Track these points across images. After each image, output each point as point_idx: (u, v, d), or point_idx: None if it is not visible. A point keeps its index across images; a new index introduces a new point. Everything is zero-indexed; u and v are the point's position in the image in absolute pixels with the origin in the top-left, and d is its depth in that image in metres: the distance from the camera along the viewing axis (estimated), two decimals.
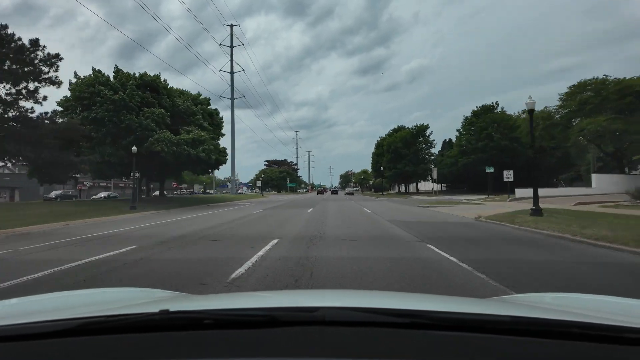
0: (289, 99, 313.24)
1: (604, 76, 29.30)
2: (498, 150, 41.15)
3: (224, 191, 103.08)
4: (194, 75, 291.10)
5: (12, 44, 18.31)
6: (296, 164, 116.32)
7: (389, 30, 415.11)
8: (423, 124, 52.19)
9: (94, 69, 27.16)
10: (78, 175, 34.04)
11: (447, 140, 57.90)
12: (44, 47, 19.25)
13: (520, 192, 28.28)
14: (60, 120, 22.23)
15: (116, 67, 28.51)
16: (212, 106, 37.33)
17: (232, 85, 66.80)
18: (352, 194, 66.59)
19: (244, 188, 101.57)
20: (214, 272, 5.11)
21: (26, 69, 19.02)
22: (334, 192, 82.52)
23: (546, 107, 35.04)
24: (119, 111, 24.80)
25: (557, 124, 33.70)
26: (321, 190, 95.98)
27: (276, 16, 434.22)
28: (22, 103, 19.93)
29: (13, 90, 19.35)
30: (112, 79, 27.06)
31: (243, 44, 71.89)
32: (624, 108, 27.25)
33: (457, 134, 48.94)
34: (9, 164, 29.82)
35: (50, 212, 18.13)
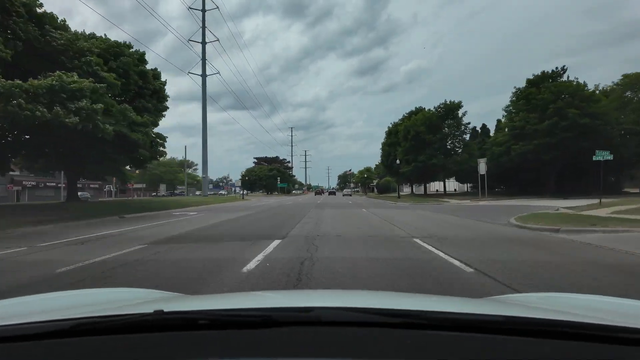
0: (287, 100, 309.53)
1: None
2: (574, 131, 28.00)
3: (198, 193, 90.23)
4: (195, 73, 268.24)
5: None
6: (289, 162, 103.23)
7: (387, 31, 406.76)
8: (453, 101, 39.07)
9: None
10: None
11: (475, 128, 44.41)
12: None
13: None
14: None
15: None
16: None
17: (203, 59, 53.54)
18: (350, 195, 64.34)
19: (237, 189, 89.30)
20: None
21: None
22: (332, 193, 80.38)
23: None
24: None
25: None
26: (319, 191, 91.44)
27: (275, 17, 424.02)
28: None
29: None
30: None
31: (218, 8, 55.99)
32: None
33: (505, 113, 35.74)
34: None
35: None
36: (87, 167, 23.86)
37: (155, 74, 24.78)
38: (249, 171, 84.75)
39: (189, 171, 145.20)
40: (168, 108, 26.33)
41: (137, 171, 40.38)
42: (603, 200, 17.59)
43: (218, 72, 50.89)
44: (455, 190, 64.30)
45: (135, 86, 22.04)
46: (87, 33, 21.50)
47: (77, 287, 4.26)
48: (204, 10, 52.13)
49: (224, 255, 6.29)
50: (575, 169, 31.71)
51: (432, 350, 0.79)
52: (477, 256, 5.77)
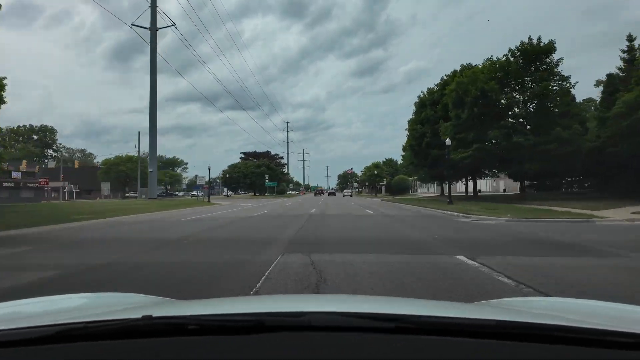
0: (286, 100, 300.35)
1: None
2: None
3: (179, 193, 74.96)
4: (191, 77, 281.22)
5: None
6: (282, 158, 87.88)
7: (386, 32, 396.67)
8: (540, 41, 23.06)
9: None
10: None
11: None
12: None
13: None
14: None
15: None
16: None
17: (153, 8, 38.17)
18: (351, 195, 62.79)
19: (226, 191, 75.21)
20: None
21: None
22: (332, 193, 77.85)
23: None
24: None
25: None
26: (319, 191, 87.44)
27: (274, 17, 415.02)
28: None
29: None
30: None
31: None
32: None
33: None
34: None
35: None
36: None
37: None
38: (231, 167, 69.33)
39: (178, 170, 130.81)
40: None
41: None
42: None
43: (174, 24, 33.89)
44: (504, 190, 48.93)
45: None
46: None
47: None
48: None
49: None
50: None
51: (424, 355, 0.79)
52: None
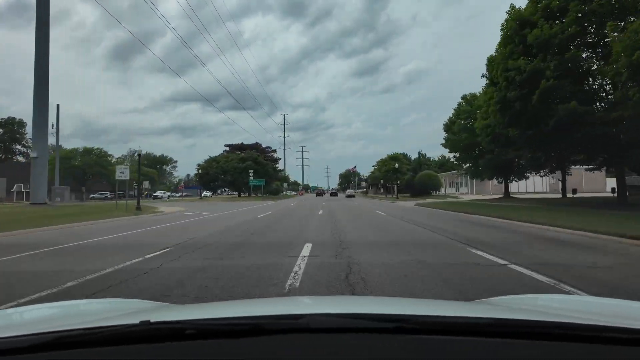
0: (286, 100, 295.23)
1: None
2: None
3: (160, 194, 60.78)
4: (190, 77, 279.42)
5: None
6: (275, 151, 73.51)
7: (387, 32, 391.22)
8: None
9: None
10: None
11: None
12: None
13: None
14: None
15: None
16: None
17: None
18: (354, 196, 59.49)
19: (201, 191, 62.05)
20: None
21: None
22: (334, 194, 76.59)
23: None
24: None
25: None
26: (320, 191, 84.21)
27: (274, 17, 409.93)
28: None
29: None
30: None
31: None
32: None
33: None
34: None
35: None
36: None
37: None
38: (208, 162, 55.13)
39: (167, 168, 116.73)
40: None
41: None
42: None
43: None
44: (614, 190, 34.71)
45: None
46: None
47: None
48: None
49: None
50: None
51: (424, 355, 0.79)
52: None
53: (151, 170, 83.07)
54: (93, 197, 62.76)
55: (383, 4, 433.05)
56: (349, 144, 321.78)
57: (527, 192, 44.50)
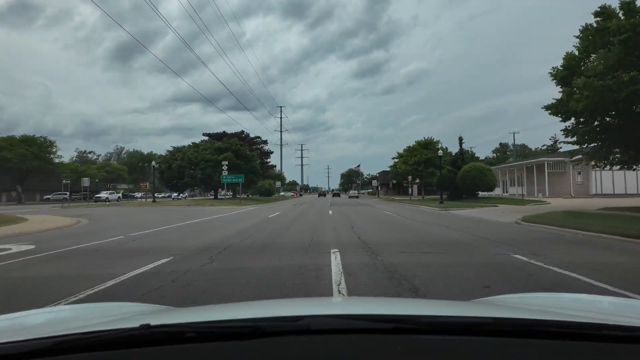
0: (287, 101, 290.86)
1: None
2: None
3: (101, 195, 46.73)
4: (191, 77, 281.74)
5: None
6: (266, 142, 59.75)
7: (388, 33, 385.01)
8: None
9: None
10: None
11: None
12: None
13: None
14: None
15: None
16: None
17: None
18: (357, 197, 55.94)
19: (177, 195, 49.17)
20: None
21: None
22: (336, 194, 75.73)
23: None
24: None
25: None
26: (322, 192, 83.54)
27: (275, 18, 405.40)
28: None
29: None
30: None
31: None
32: None
33: None
34: None
35: None
36: None
37: None
38: (173, 153, 41.63)
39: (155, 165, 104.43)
40: None
41: None
42: None
43: None
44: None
45: None
46: None
47: None
48: None
49: None
50: None
51: (424, 355, 0.79)
52: None
53: (120, 166, 69.97)
54: (48, 198, 49.85)
55: (384, 5, 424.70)
56: (349, 145, 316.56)
57: (618, 193, 31.00)
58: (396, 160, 42.17)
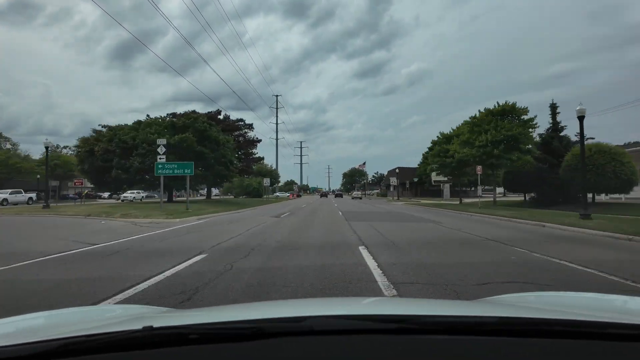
0: (287, 101, 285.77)
1: None
2: None
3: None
4: (191, 77, 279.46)
5: None
6: (251, 127, 45.66)
7: (389, 33, 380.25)
8: None
9: None
10: None
11: None
12: None
13: None
14: None
15: None
16: None
17: None
18: (361, 198, 54.26)
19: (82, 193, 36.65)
20: None
21: None
22: (338, 195, 70.49)
23: None
24: None
25: None
26: (324, 193, 78.09)
27: (276, 17, 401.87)
28: None
29: None
30: None
31: None
32: None
33: None
34: None
35: None
36: None
37: None
38: (103, 134, 27.85)
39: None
40: None
41: None
42: None
43: None
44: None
45: None
46: None
47: None
48: None
49: None
50: None
51: (428, 354, 0.78)
52: None
53: (72, 158, 56.39)
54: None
55: (386, 5, 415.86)
56: (349, 145, 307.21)
57: None
58: (431, 150, 28.58)
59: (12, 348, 0.82)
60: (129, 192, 36.24)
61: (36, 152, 68.46)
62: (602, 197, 21.37)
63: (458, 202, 27.92)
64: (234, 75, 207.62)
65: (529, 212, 15.59)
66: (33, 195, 32.84)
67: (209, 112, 40.63)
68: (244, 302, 3.47)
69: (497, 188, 27.60)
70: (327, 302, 1.98)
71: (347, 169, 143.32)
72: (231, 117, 44.08)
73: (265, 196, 49.30)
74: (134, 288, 4.19)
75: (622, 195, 19.90)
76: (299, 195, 78.93)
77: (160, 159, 18.90)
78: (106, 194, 47.29)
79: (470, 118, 24.09)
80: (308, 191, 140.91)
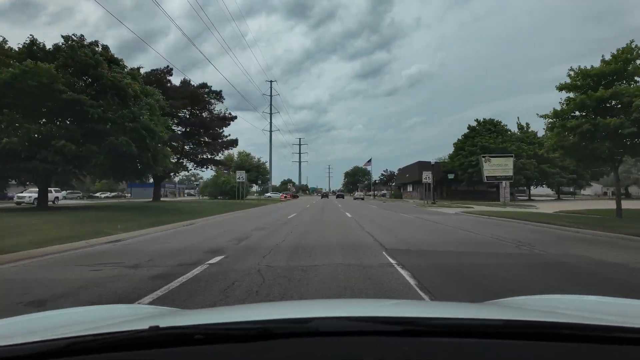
0: (288, 102, 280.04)
1: None
2: None
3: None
4: (193, 75, 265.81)
5: None
6: (220, 97, 32.42)
7: (390, 34, 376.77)
8: None
9: None
10: None
11: None
12: None
13: None
14: None
15: None
16: None
17: None
18: (362, 199, 51.06)
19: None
20: None
21: None
22: (340, 195, 66.70)
23: None
24: None
25: None
26: (325, 193, 72.94)
27: (277, 18, 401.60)
28: None
29: None
30: None
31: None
32: None
33: None
34: None
35: None
36: None
37: None
38: None
39: None
40: None
41: None
42: None
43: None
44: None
45: None
46: None
47: None
48: None
49: None
50: None
51: (432, 357, 0.78)
52: None
53: None
54: None
55: (387, 6, 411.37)
56: (350, 146, 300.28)
57: None
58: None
59: (19, 347, 0.82)
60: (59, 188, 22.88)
61: None
62: None
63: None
64: (234, 76, 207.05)
65: None
66: None
67: (154, 69, 27.26)
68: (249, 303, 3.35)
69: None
70: (334, 304, 1.92)
71: (347, 168, 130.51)
72: (188, 78, 30.69)
73: (247, 198, 36.02)
74: None
75: None
76: (295, 196, 65.41)
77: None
78: None
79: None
80: (307, 191, 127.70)
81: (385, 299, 3.16)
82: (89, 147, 13.88)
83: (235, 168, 44.92)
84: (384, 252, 6.26)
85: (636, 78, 12.94)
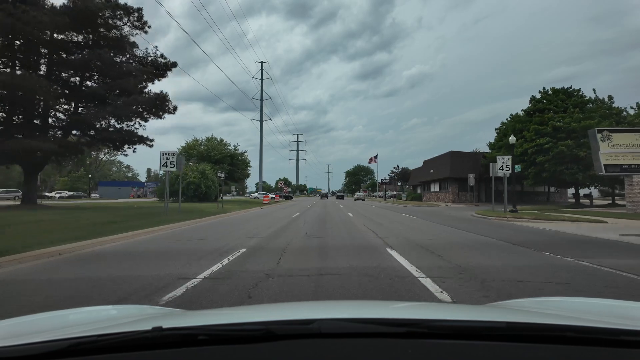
0: (288, 102, 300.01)
1: None
2: None
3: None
4: (195, 74, 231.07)
5: None
6: (139, 14, 20.04)
7: (391, 35, 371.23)
8: None
9: None
10: None
11: None
12: None
13: None
14: None
15: None
16: None
17: None
18: (363, 199, 49.97)
19: None
20: None
21: None
22: (340, 196, 64.83)
23: None
24: None
25: None
26: (324, 194, 69.56)
27: (278, 18, 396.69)
28: None
29: None
30: None
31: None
32: None
33: None
34: None
35: None
36: None
37: None
38: None
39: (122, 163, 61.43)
40: None
41: None
42: None
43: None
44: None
45: None
46: None
47: None
48: None
49: None
50: None
51: (435, 359, 0.78)
52: None
53: None
54: None
55: (388, 7, 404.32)
56: (349, 147, 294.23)
57: None
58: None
59: (23, 347, 0.82)
60: None
61: None
62: None
63: None
64: (233, 76, 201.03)
65: None
66: None
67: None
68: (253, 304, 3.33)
69: None
70: (338, 305, 1.80)
71: (347, 169, 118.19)
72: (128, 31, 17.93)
73: (222, 199, 23.36)
74: None
75: None
76: (287, 197, 52.54)
77: None
78: None
79: None
80: (305, 192, 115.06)
81: (390, 301, 3.04)
82: None
83: (199, 159, 32.29)
84: None
85: None
